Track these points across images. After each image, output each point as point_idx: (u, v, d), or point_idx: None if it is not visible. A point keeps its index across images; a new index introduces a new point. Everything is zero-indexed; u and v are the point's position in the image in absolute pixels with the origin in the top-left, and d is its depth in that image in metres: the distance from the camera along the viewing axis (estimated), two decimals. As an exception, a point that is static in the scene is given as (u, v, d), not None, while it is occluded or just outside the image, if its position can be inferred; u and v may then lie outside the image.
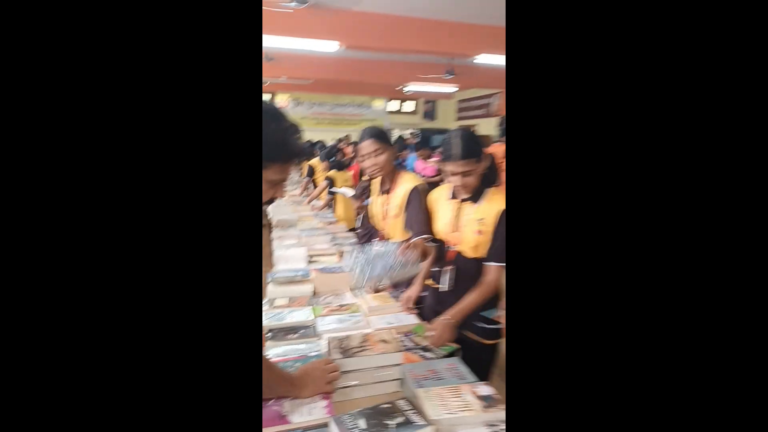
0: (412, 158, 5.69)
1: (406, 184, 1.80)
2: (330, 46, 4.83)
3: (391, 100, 11.66)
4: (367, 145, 1.79)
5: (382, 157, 1.81)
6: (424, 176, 5.02)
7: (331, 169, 3.95)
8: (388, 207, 1.89)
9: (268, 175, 0.81)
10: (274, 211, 3.77)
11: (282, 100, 10.90)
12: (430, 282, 1.65)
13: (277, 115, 0.82)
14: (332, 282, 1.81)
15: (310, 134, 10.57)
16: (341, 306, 1.58)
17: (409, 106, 12.00)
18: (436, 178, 4.67)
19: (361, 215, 2.80)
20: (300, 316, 1.48)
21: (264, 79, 8.72)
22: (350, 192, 2.98)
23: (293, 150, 0.83)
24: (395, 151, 2.03)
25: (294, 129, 0.84)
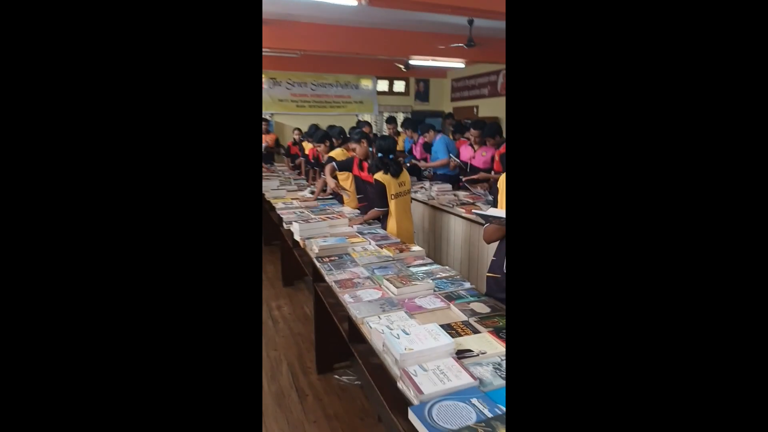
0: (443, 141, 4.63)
1: None
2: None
3: (379, 79, 10.45)
4: None
5: None
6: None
7: (386, 171, 2.79)
8: None
9: None
10: (300, 232, 2.65)
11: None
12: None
13: None
14: None
15: (293, 120, 9.35)
16: None
17: (399, 86, 10.81)
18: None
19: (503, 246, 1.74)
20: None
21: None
22: (502, 213, 1.67)
23: None
24: None
25: None
